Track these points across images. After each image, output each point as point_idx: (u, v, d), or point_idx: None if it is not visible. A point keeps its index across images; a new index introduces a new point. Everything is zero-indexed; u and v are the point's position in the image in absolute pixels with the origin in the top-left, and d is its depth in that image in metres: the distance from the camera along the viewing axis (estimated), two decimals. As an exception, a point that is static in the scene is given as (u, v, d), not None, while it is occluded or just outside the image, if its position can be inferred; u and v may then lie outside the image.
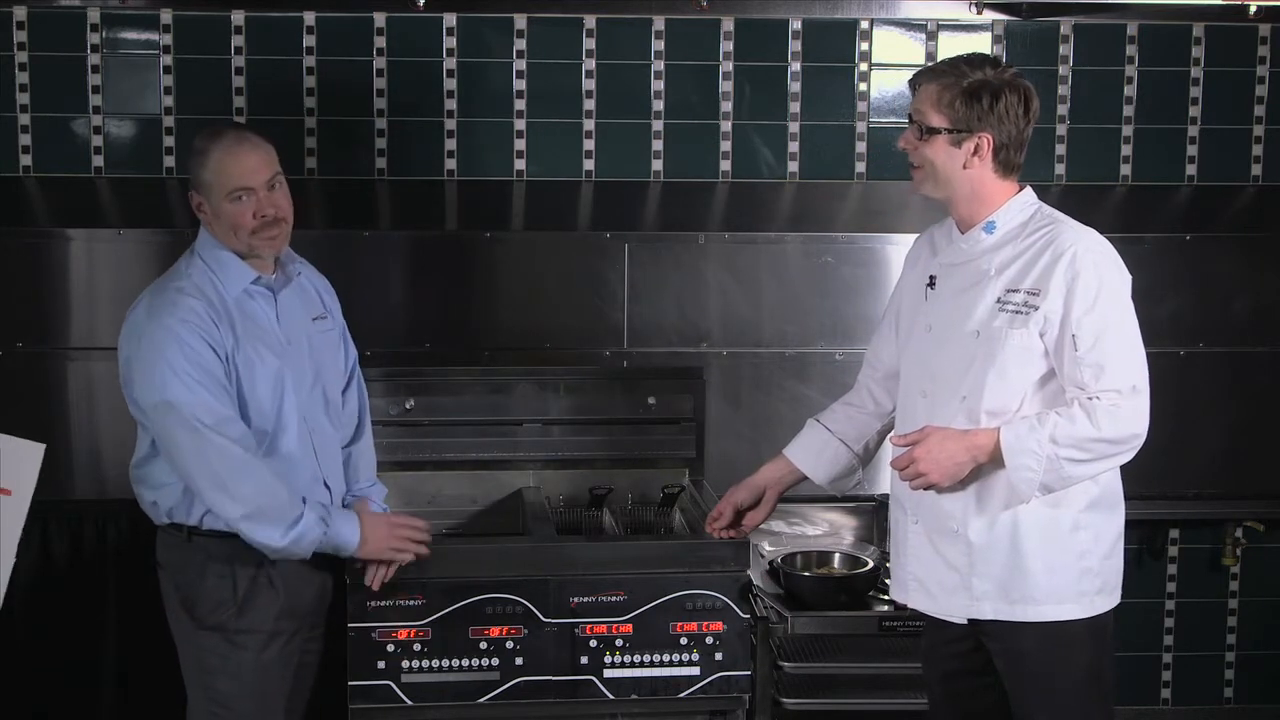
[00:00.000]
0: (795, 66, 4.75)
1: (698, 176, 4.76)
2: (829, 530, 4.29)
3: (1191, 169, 4.88)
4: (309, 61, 4.63)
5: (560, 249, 4.39)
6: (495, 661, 3.64)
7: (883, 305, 3.61)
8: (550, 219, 4.55)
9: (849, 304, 4.40)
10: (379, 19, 4.63)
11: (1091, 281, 3.07)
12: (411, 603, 3.60)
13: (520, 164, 4.72)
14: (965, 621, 3.23)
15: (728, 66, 4.74)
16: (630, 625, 3.67)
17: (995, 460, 3.10)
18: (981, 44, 4.77)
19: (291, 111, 4.63)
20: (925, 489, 3.17)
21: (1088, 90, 4.83)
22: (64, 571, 4.25)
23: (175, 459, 3.33)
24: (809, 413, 3.63)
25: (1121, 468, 3.18)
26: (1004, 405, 3.13)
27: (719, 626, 3.68)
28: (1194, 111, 4.86)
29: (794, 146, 4.78)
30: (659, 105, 4.73)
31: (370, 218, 4.54)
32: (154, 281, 3.45)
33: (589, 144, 4.73)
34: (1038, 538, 3.15)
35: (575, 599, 3.65)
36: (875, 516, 4.24)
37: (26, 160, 4.60)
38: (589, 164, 4.73)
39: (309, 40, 4.62)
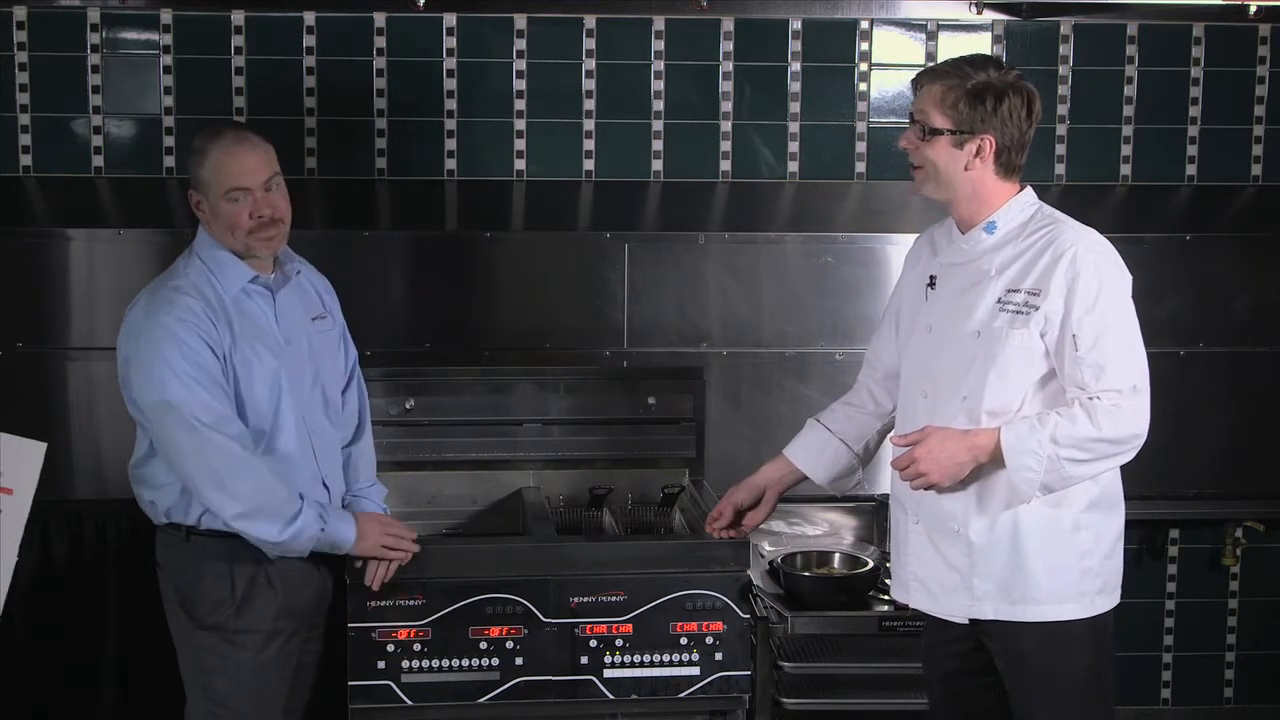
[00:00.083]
0: (795, 66, 4.75)
1: (698, 176, 4.76)
2: (829, 530, 4.29)
3: (1191, 169, 4.88)
4: (309, 61, 4.63)
5: (560, 249, 4.39)
6: (495, 661, 3.64)
7: (883, 305, 3.61)
8: (550, 219, 4.55)
9: (849, 304, 4.40)
10: (379, 19, 4.63)
11: (1092, 281, 3.07)
12: (411, 603, 3.60)
13: (520, 164, 4.72)
14: (966, 621, 3.23)
15: (728, 66, 4.74)
16: (630, 625, 3.67)
17: (996, 460, 3.10)
18: (981, 44, 4.77)
19: (291, 111, 4.63)
20: (926, 489, 3.17)
21: (1088, 90, 4.83)
22: (64, 571, 4.25)
23: (173, 458, 3.33)
24: (809, 413, 3.63)
25: (1121, 468, 3.18)
26: (1004, 405, 3.13)
27: (719, 626, 3.68)
28: (1194, 111, 4.86)
29: (794, 146, 4.78)
30: (659, 105, 4.73)
31: (370, 218, 4.54)
32: (152, 281, 3.45)
33: (589, 144, 4.73)
34: (1038, 538, 3.15)
35: (575, 599, 3.65)
36: (875, 516, 4.24)
37: (26, 160, 4.60)
38: (589, 164, 4.73)
39: (309, 40, 4.62)
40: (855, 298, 4.40)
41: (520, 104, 4.70)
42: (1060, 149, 4.84)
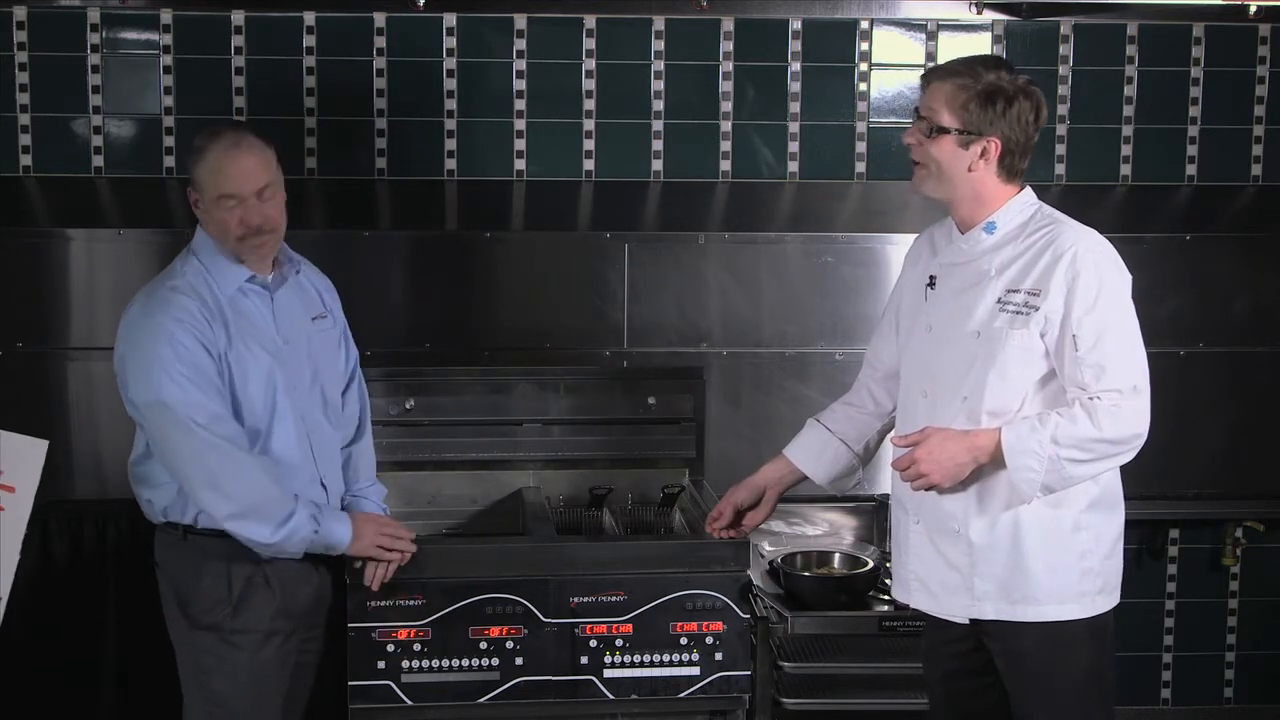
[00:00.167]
0: (795, 66, 4.75)
1: (698, 176, 4.76)
2: (829, 530, 4.29)
3: (1191, 169, 4.88)
4: (309, 61, 4.63)
5: (560, 249, 4.39)
6: (495, 661, 3.64)
7: (883, 305, 3.61)
8: (550, 219, 4.55)
9: (849, 304, 4.40)
10: (379, 19, 4.63)
11: (1092, 282, 3.07)
12: (411, 603, 3.60)
13: (520, 164, 4.72)
14: (966, 621, 3.23)
15: (728, 66, 4.74)
16: (630, 625, 3.67)
17: (996, 461, 3.10)
18: (981, 44, 4.77)
19: (291, 111, 4.63)
20: (926, 490, 3.17)
21: (1088, 90, 4.83)
22: (64, 571, 4.25)
23: (167, 458, 3.33)
24: (809, 413, 3.63)
25: (1121, 468, 3.18)
26: (1005, 406, 3.13)
27: (719, 626, 3.68)
28: (1194, 111, 4.86)
29: (794, 146, 4.78)
30: (659, 105, 4.73)
31: (370, 218, 4.54)
32: (152, 280, 3.45)
33: (589, 144, 4.73)
34: (1039, 538, 3.15)
35: (575, 599, 3.65)
36: (875, 516, 4.24)
37: (26, 160, 4.60)
38: (589, 164, 4.73)
39: (309, 40, 4.62)
40: (855, 298, 4.40)
41: (520, 104, 4.70)
42: (1060, 149, 4.84)
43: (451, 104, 4.67)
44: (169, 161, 4.63)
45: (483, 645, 3.63)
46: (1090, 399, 3.05)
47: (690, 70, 4.72)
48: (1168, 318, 4.41)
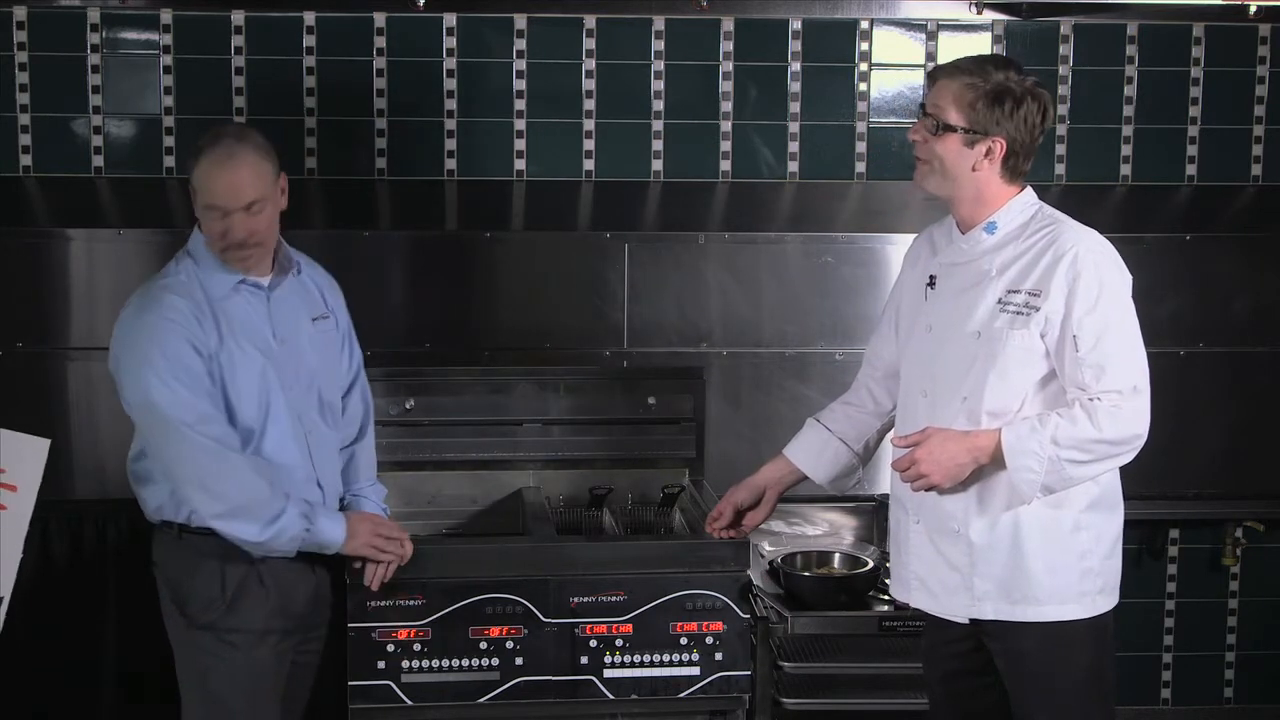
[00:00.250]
0: (795, 66, 4.75)
1: (698, 176, 4.76)
2: (829, 530, 4.29)
3: (1191, 169, 4.88)
4: (309, 61, 4.63)
5: (560, 249, 4.39)
6: (495, 661, 3.64)
7: (882, 305, 3.61)
8: (550, 219, 4.55)
9: (849, 304, 4.40)
10: (379, 19, 4.63)
11: (1092, 282, 3.07)
12: (411, 603, 3.60)
13: (520, 164, 4.72)
14: (966, 621, 3.23)
15: (728, 66, 4.74)
16: (630, 625, 3.67)
17: (996, 461, 3.10)
18: (981, 44, 4.77)
19: (291, 111, 4.63)
20: (926, 490, 3.17)
21: (1088, 90, 4.83)
22: (64, 571, 4.25)
23: (158, 457, 3.34)
24: (809, 413, 3.63)
25: (1121, 468, 3.18)
26: (1005, 406, 3.13)
27: (719, 626, 3.68)
28: (1194, 111, 4.86)
29: (794, 146, 4.78)
30: (659, 105, 4.73)
31: (370, 218, 4.54)
32: (149, 279, 3.46)
33: (589, 144, 4.73)
34: (1039, 538, 3.15)
35: (575, 599, 3.65)
36: (875, 516, 4.24)
37: (26, 160, 4.60)
38: (589, 164, 4.73)
39: (309, 40, 4.62)
40: (855, 298, 4.40)
41: (520, 104, 4.70)
42: (1060, 149, 4.84)
43: (451, 104, 4.67)
44: (169, 161, 4.63)
45: (483, 645, 3.63)
46: (1090, 400, 3.05)
47: (690, 70, 4.72)
48: (1168, 318, 4.41)
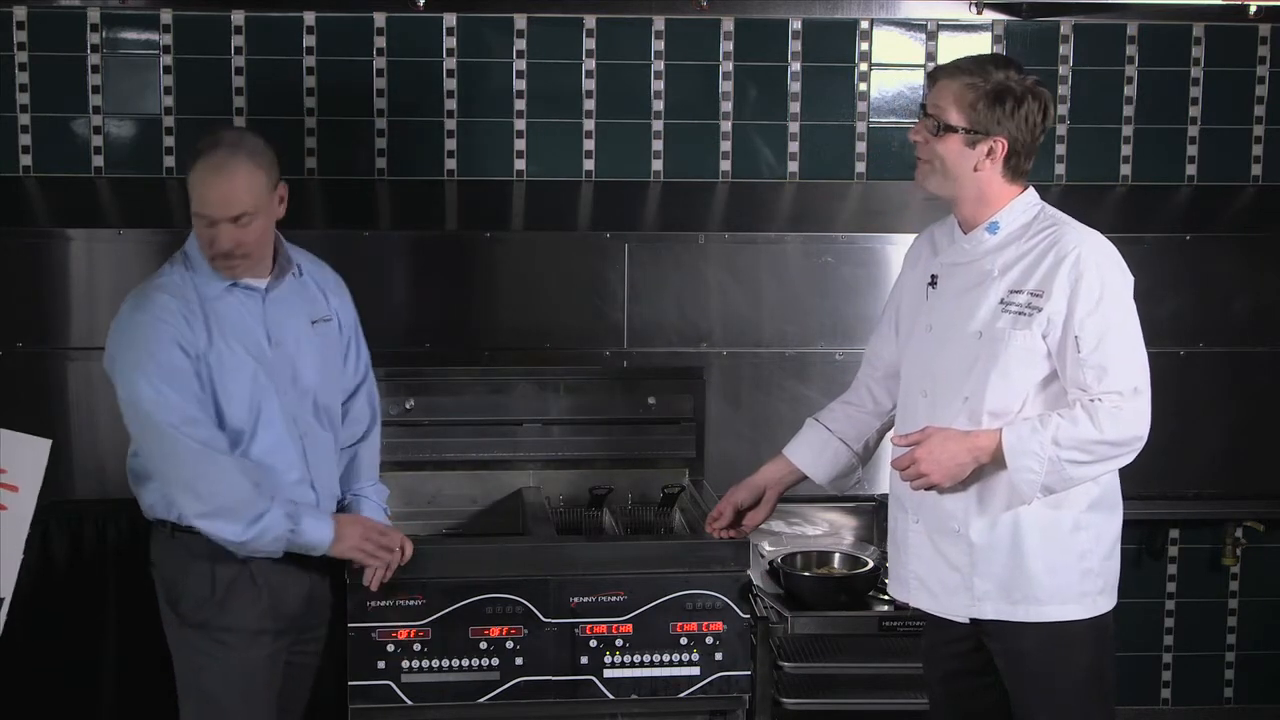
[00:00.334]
0: (795, 66, 4.75)
1: (698, 176, 4.76)
2: (829, 530, 4.29)
3: (1191, 169, 4.88)
4: (309, 61, 4.63)
5: (560, 249, 4.39)
6: (495, 661, 3.64)
7: (882, 305, 3.61)
8: (550, 219, 4.55)
9: (849, 304, 4.40)
10: (379, 19, 4.63)
11: (1095, 283, 3.07)
12: (411, 603, 3.60)
13: (520, 164, 4.72)
14: (967, 621, 3.23)
15: (728, 66, 4.74)
16: (630, 625, 3.67)
17: (997, 461, 3.10)
18: (981, 44, 4.77)
19: (291, 111, 4.63)
20: (926, 489, 3.17)
21: (1088, 90, 4.83)
22: (64, 571, 4.25)
23: (146, 456, 3.34)
24: (809, 413, 3.62)
25: (1121, 468, 3.18)
26: (1006, 406, 3.13)
27: (719, 626, 3.68)
28: (1194, 111, 4.86)
29: (794, 146, 4.78)
30: (659, 105, 4.73)
31: (370, 218, 4.54)
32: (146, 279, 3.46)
33: (589, 144, 4.73)
34: (1039, 538, 3.15)
35: (575, 599, 3.65)
36: (875, 516, 4.24)
37: (26, 160, 4.60)
38: (589, 164, 4.73)
39: (309, 40, 4.62)
40: (855, 298, 4.40)
41: (520, 104, 4.70)
42: (1060, 149, 4.84)
43: (451, 104, 4.67)
44: (169, 161, 4.63)
45: (483, 645, 3.63)
46: (1091, 400, 3.05)
47: (690, 70, 4.72)
48: (1168, 318, 4.41)
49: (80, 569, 4.26)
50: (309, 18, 4.61)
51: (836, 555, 3.94)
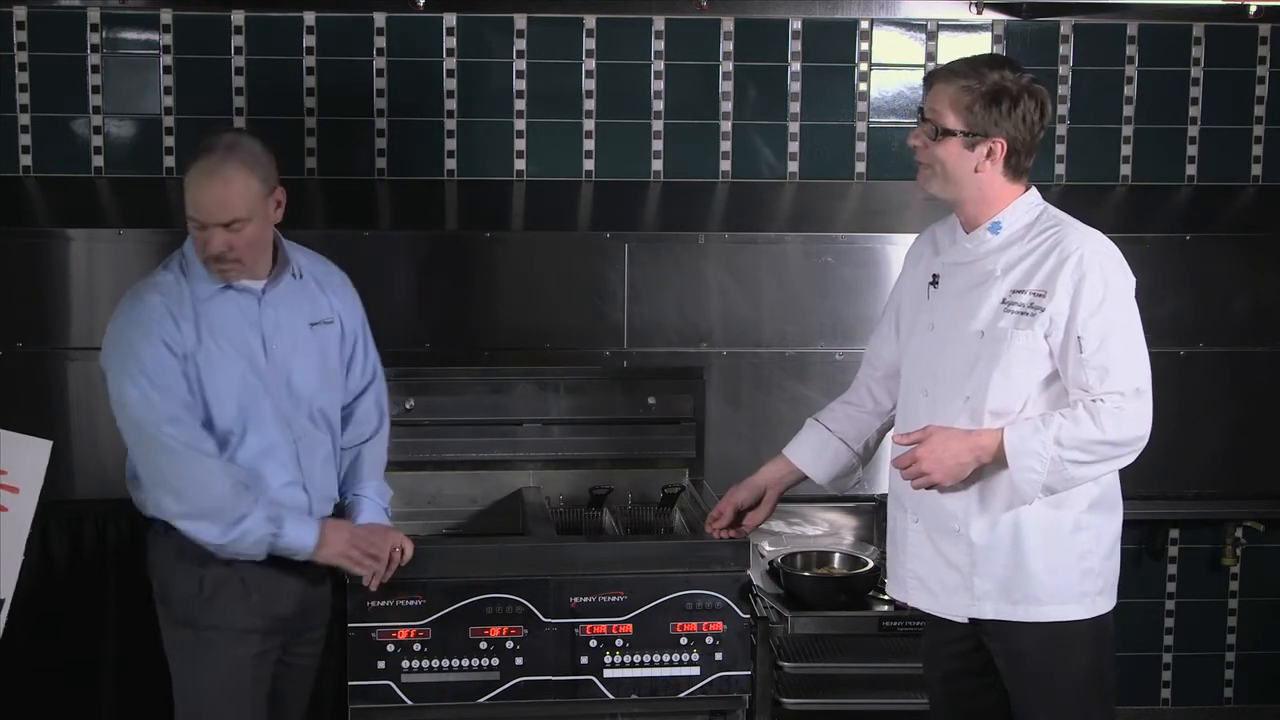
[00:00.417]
0: (795, 66, 4.75)
1: (698, 176, 4.76)
2: (829, 530, 4.29)
3: (1191, 169, 4.88)
4: (309, 61, 4.63)
5: (560, 249, 4.39)
6: (495, 661, 3.64)
7: (883, 305, 3.61)
8: (550, 219, 4.55)
9: (849, 304, 4.40)
10: (379, 19, 4.63)
11: (1097, 284, 3.07)
12: (411, 603, 3.60)
13: (520, 164, 4.72)
14: (966, 621, 3.23)
15: (728, 66, 4.74)
16: (630, 625, 3.67)
17: (998, 461, 3.10)
18: (981, 44, 4.77)
19: (291, 111, 4.63)
20: (927, 488, 3.17)
21: (1088, 90, 4.83)
22: (64, 571, 4.25)
23: (131, 456, 3.35)
24: (809, 413, 3.62)
25: (1121, 468, 3.18)
26: (1008, 406, 3.13)
27: (719, 626, 3.68)
28: (1194, 111, 4.86)
29: (794, 146, 4.78)
30: (659, 105, 4.73)
31: (370, 218, 4.54)
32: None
33: (589, 144, 4.73)
34: (1039, 538, 3.15)
35: (575, 599, 3.65)
36: (875, 516, 4.24)
37: (26, 160, 4.60)
38: (589, 164, 4.73)
39: (309, 40, 4.62)
40: (855, 298, 4.40)
41: (520, 104, 4.70)
42: (1060, 149, 4.84)
43: (451, 104, 4.67)
44: (169, 161, 4.63)
45: (483, 645, 3.63)
46: (1093, 401, 3.05)
47: (690, 70, 4.72)
48: (1168, 318, 4.41)
49: (80, 569, 4.26)
50: (309, 18, 4.61)
51: (836, 555, 3.94)
